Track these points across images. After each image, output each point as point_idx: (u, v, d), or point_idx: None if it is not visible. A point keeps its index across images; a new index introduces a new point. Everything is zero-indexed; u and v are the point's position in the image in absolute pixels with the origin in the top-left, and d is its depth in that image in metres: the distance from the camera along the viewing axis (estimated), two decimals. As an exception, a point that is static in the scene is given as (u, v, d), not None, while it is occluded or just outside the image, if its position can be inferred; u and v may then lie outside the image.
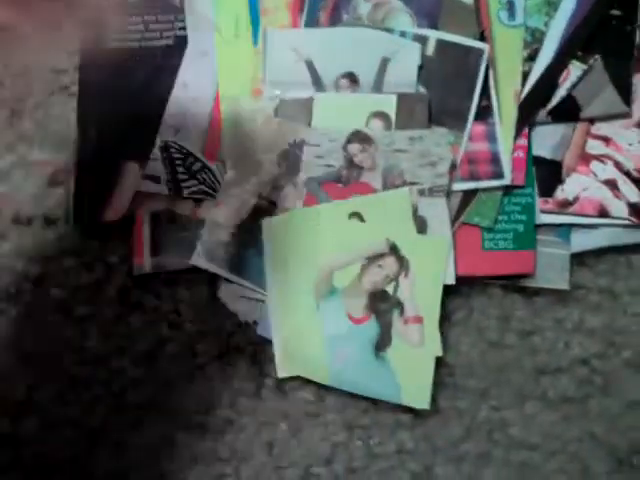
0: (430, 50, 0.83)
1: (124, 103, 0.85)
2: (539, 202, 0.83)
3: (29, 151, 0.87)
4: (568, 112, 0.84)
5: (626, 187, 0.83)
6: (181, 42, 0.86)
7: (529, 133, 0.84)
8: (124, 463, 0.83)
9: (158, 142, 0.84)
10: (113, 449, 0.84)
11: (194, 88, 0.85)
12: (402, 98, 0.82)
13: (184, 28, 0.87)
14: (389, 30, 0.83)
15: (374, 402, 0.83)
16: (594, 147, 0.84)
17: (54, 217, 0.86)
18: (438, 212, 0.82)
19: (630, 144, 0.83)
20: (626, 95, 0.84)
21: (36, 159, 0.86)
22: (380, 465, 0.83)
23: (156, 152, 0.84)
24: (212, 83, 0.86)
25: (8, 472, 0.83)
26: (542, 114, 0.84)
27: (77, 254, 0.85)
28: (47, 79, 0.88)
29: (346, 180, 0.81)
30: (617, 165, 0.83)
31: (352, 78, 0.82)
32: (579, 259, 0.84)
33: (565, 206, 0.82)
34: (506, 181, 0.82)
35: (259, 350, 0.84)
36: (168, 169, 0.83)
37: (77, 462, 0.84)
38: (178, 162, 0.83)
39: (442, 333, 0.81)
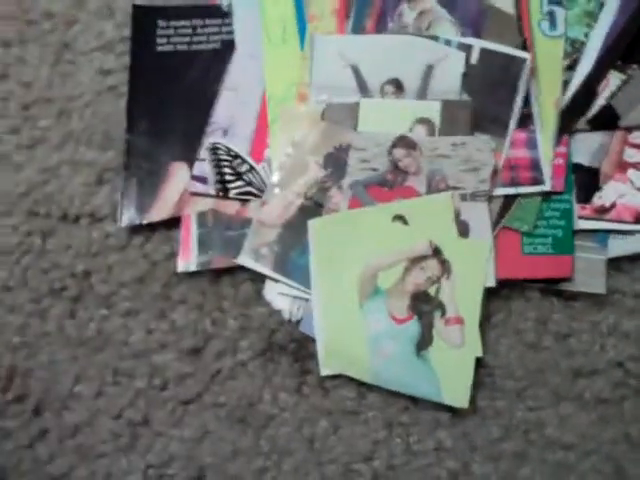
0: (474, 58, 0.84)
1: (173, 104, 0.87)
2: (577, 208, 0.84)
3: (77, 150, 0.88)
4: (607, 121, 0.86)
5: (662, 195, 0.83)
6: (229, 46, 0.88)
7: (569, 141, 0.85)
8: (165, 456, 0.84)
9: (206, 143, 0.85)
10: (155, 442, 0.84)
11: (242, 91, 0.87)
12: (446, 105, 0.83)
13: (231, 32, 0.87)
14: (434, 38, 0.84)
15: (414, 400, 0.84)
16: (631, 155, 0.85)
17: (101, 215, 0.86)
18: (480, 216, 0.83)
19: (666, 152, 0.84)
20: (663, 105, 0.84)
21: (84, 158, 0.87)
22: (419, 462, 0.84)
23: (204, 153, 0.84)
24: (259, 86, 0.87)
25: (52, 462, 0.84)
26: (582, 122, 0.85)
27: (122, 250, 0.86)
28: (95, 79, 0.88)
29: (391, 184, 0.83)
30: (653, 173, 0.83)
31: (397, 84, 0.83)
32: (615, 264, 0.86)
33: (602, 212, 0.83)
34: (546, 187, 0.84)
35: (301, 347, 0.85)
36: (216, 170, 0.84)
37: (119, 454, 0.85)
38: (225, 163, 0.84)
39: (482, 334, 0.82)
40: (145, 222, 0.85)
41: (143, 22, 0.89)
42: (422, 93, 0.83)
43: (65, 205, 0.87)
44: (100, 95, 0.89)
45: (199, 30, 0.88)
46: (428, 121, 0.83)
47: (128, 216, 0.85)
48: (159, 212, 0.85)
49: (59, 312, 0.87)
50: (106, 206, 0.87)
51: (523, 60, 0.84)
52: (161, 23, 0.89)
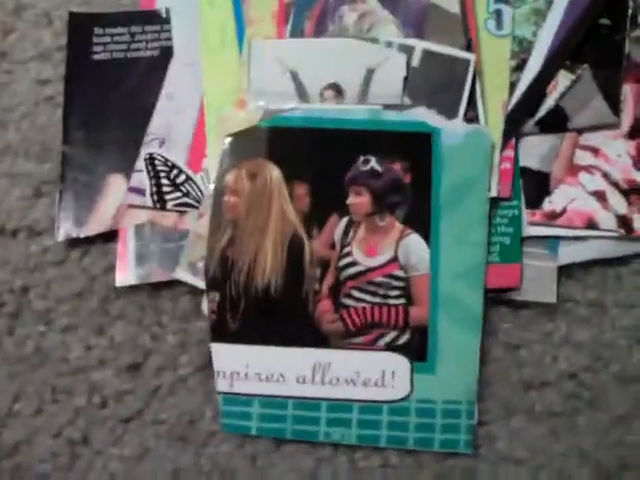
0: (416, 60, 0.82)
1: (109, 114, 0.85)
2: (526, 214, 0.82)
3: (14, 162, 0.86)
4: (556, 123, 0.83)
5: (614, 199, 0.81)
6: (167, 53, 0.86)
7: (516, 144, 0.83)
8: (105, 475, 0.82)
9: (143, 154, 0.82)
10: (94, 461, 0.82)
11: (179, 99, 0.85)
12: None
13: (170, 39, 0.85)
14: (374, 40, 0.82)
15: (359, 416, 0.80)
16: (582, 158, 0.82)
17: (39, 229, 0.84)
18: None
19: (619, 155, 0.82)
20: (615, 105, 0.83)
21: (21, 170, 0.85)
22: (365, 480, 0.80)
23: (141, 164, 0.82)
24: (197, 94, 0.85)
25: (-10, 484, 0.81)
26: (530, 125, 0.83)
27: (61, 265, 0.83)
28: (32, 89, 0.86)
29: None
30: (605, 176, 0.82)
31: (337, 89, 0.81)
32: (567, 271, 0.83)
33: (553, 218, 0.81)
34: (492, 193, 0.80)
35: (243, 363, 0.81)
36: (153, 181, 0.82)
37: (58, 473, 0.83)
38: (163, 174, 0.82)
39: (427, 346, 0.78)
40: (82, 235, 0.83)
41: (79, 30, 0.88)
42: (363, 98, 0.81)
43: (2, 219, 0.86)
44: (37, 106, 0.87)
45: (137, 37, 0.86)
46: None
47: (65, 230, 0.83)
48: (96, 225, 0.83)
49: (-3, 328, 0.83)
50: (44, 220, 0.85)
51: (467, 61, 0.82)
52: (97, 30, 0.87)
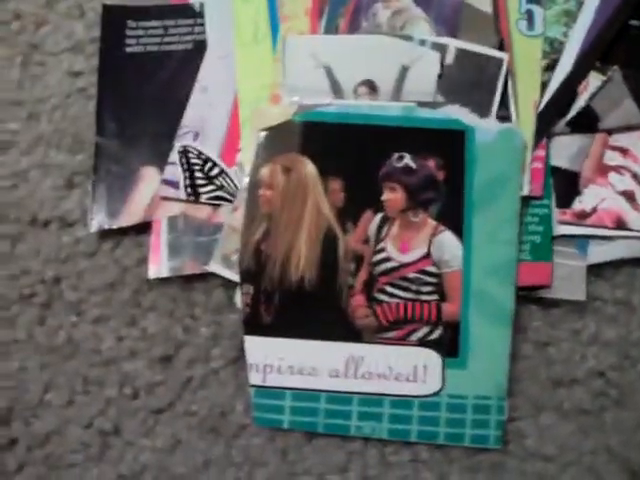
0: (449, 59, 0.82)
1: (143, 107, 0.85)
2: (556, 213, 0.82)
3: (47, 153, 0.86)
4: (586, 123, 0.83)
5: (644, 199, 0.81)
6: (200, 46, 0.86)
7: (547, 144, 0.83)
8: (136, 466, 0.82)
9: (177, 146, 0.83)
10: (126, 451, 0.83)
11: (213, 92, 0.85)
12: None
13: (203, 32, 0.85)
14: (408, 38, 0.82)
15: (389, 410, 0.80)
16: (612, 158, 0.83)
17: (71, 220, 0.84)
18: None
19: (647, 155, 0.82)
20: (645, 107, 0.82)
21: (54, 161, 0.86)
22: (395, 474, 0.82)
23: (175, 157, 0.82)
24: (231, 88, 0.85)
25: (21, 472, 0.82)
26: (561, 125, 0.83)
27: (93, 256, 0.84)
28: (64, 81, 0.86)
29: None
30: (634, 176, 0.82)
31: (371, 86, 0.82)
32: (596, 270, 0.83)
33: (583, 217, 0.81)
34: (523, 192, 0.81)
35: (274, 356, 0.81)
36: (186, 174, 0.82)
37: (89, 464, 0.83)
38: (196, 167, 0.83)
39: (458, 342, 0.78)
40: (115, 227, 0.84)
41: (112, 22, 0.88)
42: (396, 94, 0.81)
43: (34, 209, 0.86)
44: (70, 97, 0.88)
45: (170, 30, 0.87)
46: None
47: (98, 221, 0.84)
48: (129, 217, 0.83)
49: (28, 319, 0.85)
50: (76, 211, 0.86)
51: (500, 60, 0.82)
52: (131, 23, 0.87)
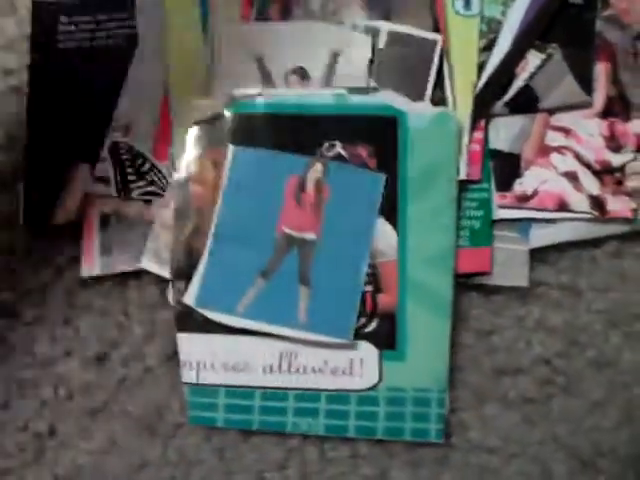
0: (382, 42, 0.80)
1: (74, 103, 0.83)
2: (496, 197, 0.80)
3: (-22, 152, 0.84)
4: (526, 103, 0.82)
5: (587, 179, 0.80)
6: (132, 40, 0.84)
7: (486, 126, 0.81)
8: (73, 468, 0.82)
9: (108, 143, 0.81)
10: (62, 454, 0.82)
11: (144, 87, 0.84)
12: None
13: (135, 26, 0.84)
14: (339, 23, 0.80)
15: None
16: (554, 139, 0.81)
17: (2, 219, 0.83)
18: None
19: (591, 135, 0.81)
20: (587, 84, 0.82)
21: (-15, 161, 0.84)
22: (334, 470, 0.81)
23: (105, 153, 0.81)
24: (162, 81, 0.83)
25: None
26: (499, 105, 0.81)
27: (26, 256, 0.82)
28: (-3, 79, 0.86)
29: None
30: (577, 157, 0.80)
31: (302, 73, 0.80)
32: (539, 255, 0.82)
33: (524, 200, 0.80)
34: (461, 176, 0.79)
35: (210, 353, 0.80)
36: (117, 170, 0.81)
37: (25, 468, 0.83)
38: (127, 163, 0.82)
39: (397, 333, 0.77)
40: (47, 224, 0.81)
41: (44, 18, 0.86)
42: (328, 81, 0.80)
43: (-35, 209, 0.83)
44: (2, 96, 0.85)
45: (102, 25, 0.85)
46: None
47: (30, 219, 0.81)
48: (61, 215, 0.82)
49: (-38, 321, 0.82)
50: (9, 210, 0.83)
51: (434, 42, 0.81)
52: (63, 19, 0.85)
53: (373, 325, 0.78)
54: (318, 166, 0.78)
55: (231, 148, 0.79)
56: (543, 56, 0.81)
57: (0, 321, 0.84)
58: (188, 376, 0.79)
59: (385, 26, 0.81)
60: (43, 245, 0.84)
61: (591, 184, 0.80)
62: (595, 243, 0.83)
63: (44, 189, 0.83)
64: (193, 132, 0.80)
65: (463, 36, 0.82)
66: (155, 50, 0.84)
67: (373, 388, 0.78)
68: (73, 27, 0.84)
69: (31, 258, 0.84)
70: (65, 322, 0.84)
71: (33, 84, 0.84)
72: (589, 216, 0.81)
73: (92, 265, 0.82)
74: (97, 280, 0.84)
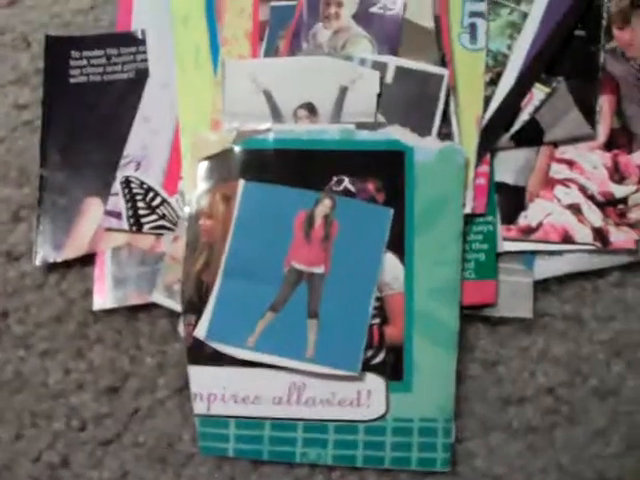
0: (390, 77, 0.82)
1: (87, 137, 0.85)
2: (502, 229, 0.81)
3: (-7, 186, 0.86)
4: (531, 136, 0.83)
5: (590, 212, 0.81)
6: (143, 74, 0.86)
7: (491, 159, 0.82)
8: (86, 498, 0.81)
9: (119, 177, 0.83)
10: (74, 485, 0.82)
11: (155, 121, 0.85)
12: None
13: (146, 60, 0.85)
14: (348, 58, 0.82)
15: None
16: (558, 171, 0.82)
17: (17, 253, 0.85)
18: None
19: (595, 167, 0.82)
20: (591, 117, 0.83)
21: (0, 195, 0.85)
22: (342, 498, 0.80)
23: (117, 187, 0.82)
24: (173, 116, 0.84)
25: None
26: (505, 139, 0.82)
27: (39, 289, 0.84)
28: (10, 114, 0.87)
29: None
30: (581, 189, 0.81)
31: (310, 108, 0.81)
32: (544, 285, 0.83)
33: (528, 233, 0.81)
34: (467, 209, 0.80)
35: (220, 384, 0.81)
36: (129, 204, 0.82)
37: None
38: (138, 197, 0.83)
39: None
40: (60, 260, 0.84)
41: (56, 53, 0.88)
42: (336, 116, 0.81)
43: (-20, 243, 0.84)
44: (15, 130, 0.88)
45: (113, 59, 0.87)
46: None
47: (43, 254, 0.84)
48: (74, 249, 0.83)
49: (-25, 352, 0.83)
50: (23, 244, 0.86)
51: (440, 77, 0.82)
52: (74, 54, 0.87)
53: (380, 357, 0.79)
54: (327, 201, 0.78)
55: (241, 183, 0.79)
56: (548, 89, 0.82)
57: (13, 353, 0.84)
58: (199, 407, 0.80)
59: (393, 61, 0.82)
60: (55, 278, 0.85)
61: (594, 216, 0.81)
62: (598, 274, 0.84)
63: (57, 223, 0.83)
64: (203, 167, 0.81)
65: (469, 70, 0.83)
66: (166, 83, 0.85)
67: (380, 418, 0.79)
68: (84, 61, 0.85)
69: (43, 291, 0.84)
70: (77, 354, 0.85)
71: (46, 119, 0.85)
72: (592, 248, 0.81)
73: (104, 298, 0.83)
74: (109, 313, 0.84)
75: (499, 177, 0.83)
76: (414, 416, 0.79)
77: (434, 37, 0.83)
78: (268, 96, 0.82)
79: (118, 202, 0.83)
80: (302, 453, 0.80)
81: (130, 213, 0.82)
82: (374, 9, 0.84)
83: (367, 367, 0.79)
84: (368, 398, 0.79)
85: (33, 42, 0.90)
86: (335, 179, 0.79)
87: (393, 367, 0.79)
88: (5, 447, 0.84)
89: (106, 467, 0.84)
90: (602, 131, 0.83)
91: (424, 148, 0.80)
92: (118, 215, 0.83)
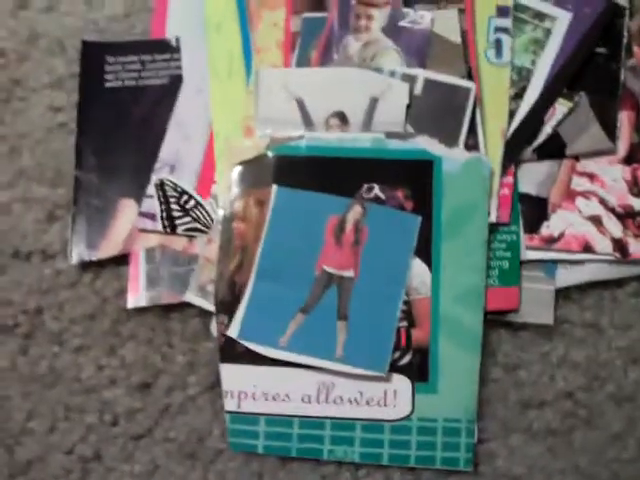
0: (418, 89, 0.84)
1: (121, 140, 0.87)
2: (525, 238, 0.84)
3: (29, 187, 0.88)
4: (554, 149, 0.85)
5: (610, 223, 0.83)
6: (177, 81, 0.88)
7: (515, 171, 0.85)
8: (117, 492, 0.83)
9: (154, 179, 0.85)
10: (106, 477, 0.85)
11: (189, 126, 0.87)
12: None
13: (180, 67, 0.87)
14: (378, 70, 0.84)
15: (362, 434, 0.82)
16: (579, 184, 0.84)
17: (52, 252, 0.87)
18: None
19: (614, 180, 0.84)
20: (611, 132, 0.85)
21: (35, 195, 0.88)
22: (368, 496, 0.82)
23: (152, 189, 0.84)
24: (206, 121, 0.87)
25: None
26: (528, 152, 0.85)
27: (73, 287, 0.86)
28: (46, 116, 0.89)
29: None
30: (602, 201, 0.84)
31: (342, 117, 0.83)
32: (565, 293, 0.85)
33: (550, 242, 0.83)
34: (491, 219, 0.82)
35: (250, 383, 0.83)
36: (163, 206, 0.84)
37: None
38: (172, 199, 0.85)
39: (429, 367, 0.80)
40: (94, 259, 0.85)
41: (92, 58, 0.90)
42: (367, 125, 0.83)
43: (17, 242, 0.88)
44: (51, 132, 0.89)
45: (147, 65, 0.89)
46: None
47: (77, 253, 0.86)
48: (108, 249, 0.85)
49: (11, 349, 0.87)
50: (57, 243, 0.88)
51: (468, 90, 0.84)
52: (109, 59, 0.89)
53: (407, 358, 0.81)
54: (357, 208, 0.80)
55: (274, 188, 0.81)
56: (570, 104, 0.85)
57: (48, 349, 0.86)
58: (230, 404, 0.82)
59: (422, 73, 0.85)
60: (89, 277, 0.87)
61: (614, 227, 0.84)
62: (617, 283, 0.87)
63: (92, 223, 0.85)
64: (237, 172, 0.83)
65: (495, 84, 0.86)
66: (199, 90, 0.87)
67: (406, 418, 0.81)
68: (119, 67, 0.88)
69: (78, 289, 0.86)
70: (110, 351, 0.87)
71: (81, 121, 0.87)
72: (612, 258, 0.84)
73: (138, 297, 0.85)
74: (142, 311, 0.86)
75: (523, 188, 0.85)
76: (438, 416, 0.81)
77: (461, 51, 0.85)
78: (300, 104, 0.84)
79: (152, 204, 0.85)
80: (329, 451, 0.82)
81: (164, 215, 0.84)
82: (403, 23, 0.86)
83: (394, 368, 0.81)
84: (394, 398, 0.81)
85: (68, 47, 0.92)
86: (366, 186, 0.82)
87: (419, 369, 0.81)
88: (39, 439, 0.86)
89: (137, 461, 0.86)
90: (622, 146, 0.86)
91: (451, 158, 0.82)
92: (152, 217, 0.85)
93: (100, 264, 0.87)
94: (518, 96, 0.85)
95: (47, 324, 0.87)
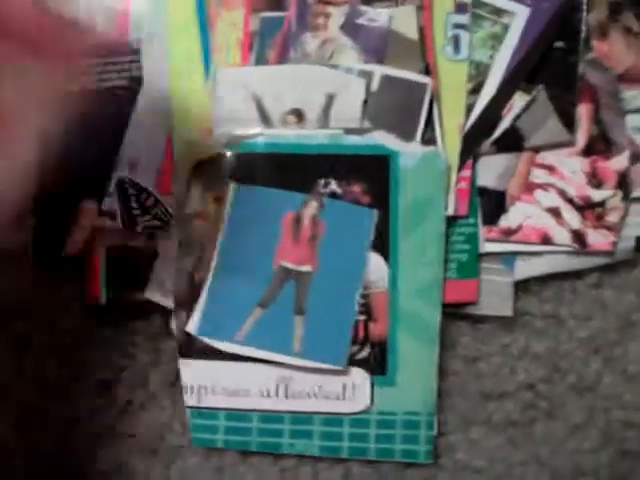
0: (375, 85, 0.84)
1: (82, 141, 0.87)
2: (483, 230, 0.84)
3: (-10, 188, 0.88)
4: (512, 142, 0.85)
5: (569, 214, 0.84)
6: (137, 81, 0.88)
7: (473, 164, 0.85)
8: (80, 490, 0.84)
9: (114, 178, 0.85)
10: (68, 477, 0.85)
11: (149, 125, 0.87)
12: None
13: (140, 68, 0.88)
14: (334, 67, 0.84)
15: (322, 428, 0.82)
16: (538, 176, 0.85)
17: (14, 253, 0.87)
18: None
19: (573, 172, 0.84)
20: (570, 124, 0.85)
21: (-3, 196, 0.88)
22: (328, 490, 0.82)
23: (112, 188, 0.85)
24: (166, 120, 0.87)
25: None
26: (486, 145, 0.85)
27: (35, 288, 0.86)
28: (9, 119, 0.89)
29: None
30: (560, 193, 0.84)
31: (299, 114, 0.84)
32: (524, 286, 0.85)
33: (509, 234, 0.83)
34: (449, 212, 0.83)
35: (211, 379, 0.84)
36: (123, 205, 0.85)
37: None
38: (133, 198, 0.85)
39: (389, 360, 0.81)
40: (56, 257, 0.85)
41: (53, 60, 0.89)
42: (324, 122, 0.83)
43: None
44: (13, 134, 0.89)
45: (109, 67, 0.88)
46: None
47: (40, 252, 0.85)
48: (70, 247, 0.86)
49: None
50: (20, 244, 0.87)
51: (424, 85, 0.84)
52: (71, 61, 0.89)
53: (365, 352, 0.82)
54: (313, 203, 0.81)
55: (232, 186, 0.82)
56: (528, 97, 0.85)
57: (10, 349, 0.87)
58: (190, 400, 0.82)
59: (378, 70, 0.85)
60: (52, 277, 0.87)
61: (573, 219, 0.84)
62: (577, 275, 0.87)
63: (53, 223, 0.86)
64: (195, 170, 0.83)
65: (452, 80, 0.86)
66: (159, 91, 0.88)
67: (365, 411, 0.82)
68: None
69: (40, 289, 0.87)
70: (73, 349, 0.86)
71: (44, 123, 0.88)
72: (571, 249, 0.84)
73: (98, 296, 0.85)
74: (103, 310, 0.86)
75: (481, 181, 0.85)
76: (398, 409, 0.81)
77: (419, 48, 0.85)
78: (258, 102, 0.84)
79: (113, 202, 0.85)
80: (289, 444, 0.82)
81: (124, 213, 0.85)
82: (361, 20, 0.86)
83: (352, 362, 0.81)
84: (353, 392, 0.81)
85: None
86: (322, 182, 0.82)
87: (377, 362, 0.82)
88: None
89: (99, 459, 0.85)
90: (581, 138, 0.86)
91: (408, 153, 0.82)
92: (113, 215, 0.85)
93: (61, 264, 0.86)
94: (476, 91, 0.86)
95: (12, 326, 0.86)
